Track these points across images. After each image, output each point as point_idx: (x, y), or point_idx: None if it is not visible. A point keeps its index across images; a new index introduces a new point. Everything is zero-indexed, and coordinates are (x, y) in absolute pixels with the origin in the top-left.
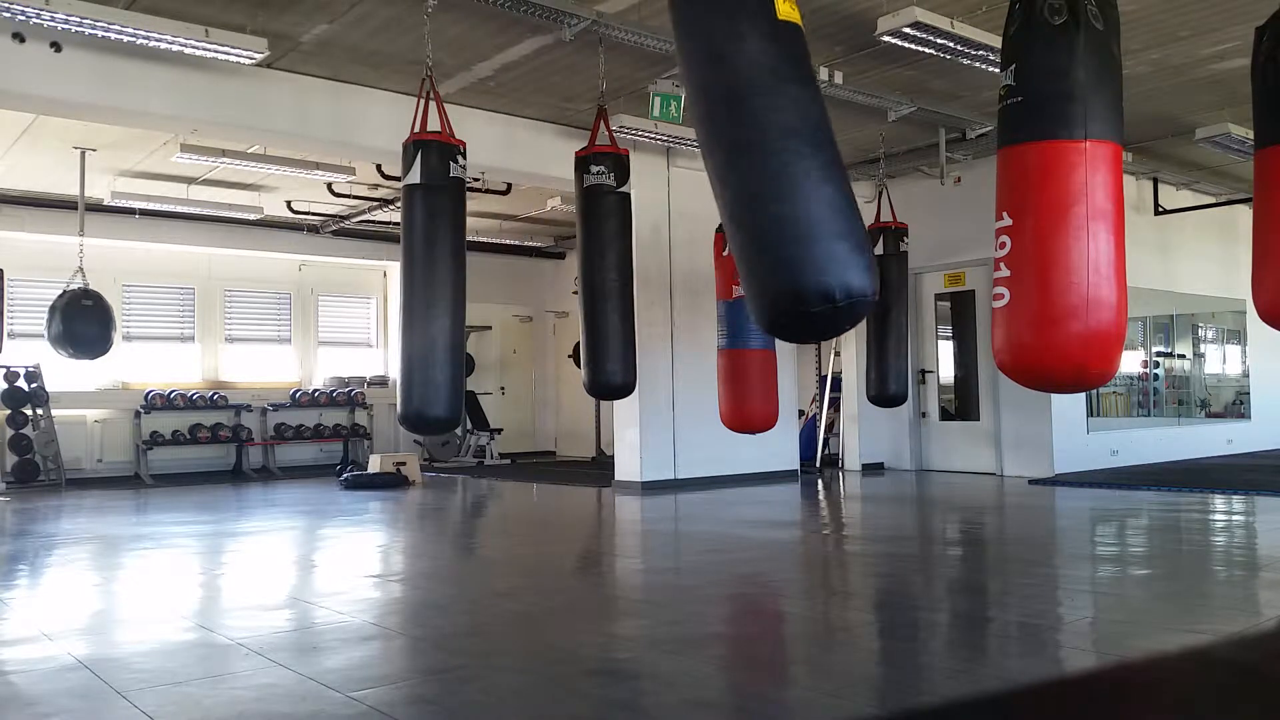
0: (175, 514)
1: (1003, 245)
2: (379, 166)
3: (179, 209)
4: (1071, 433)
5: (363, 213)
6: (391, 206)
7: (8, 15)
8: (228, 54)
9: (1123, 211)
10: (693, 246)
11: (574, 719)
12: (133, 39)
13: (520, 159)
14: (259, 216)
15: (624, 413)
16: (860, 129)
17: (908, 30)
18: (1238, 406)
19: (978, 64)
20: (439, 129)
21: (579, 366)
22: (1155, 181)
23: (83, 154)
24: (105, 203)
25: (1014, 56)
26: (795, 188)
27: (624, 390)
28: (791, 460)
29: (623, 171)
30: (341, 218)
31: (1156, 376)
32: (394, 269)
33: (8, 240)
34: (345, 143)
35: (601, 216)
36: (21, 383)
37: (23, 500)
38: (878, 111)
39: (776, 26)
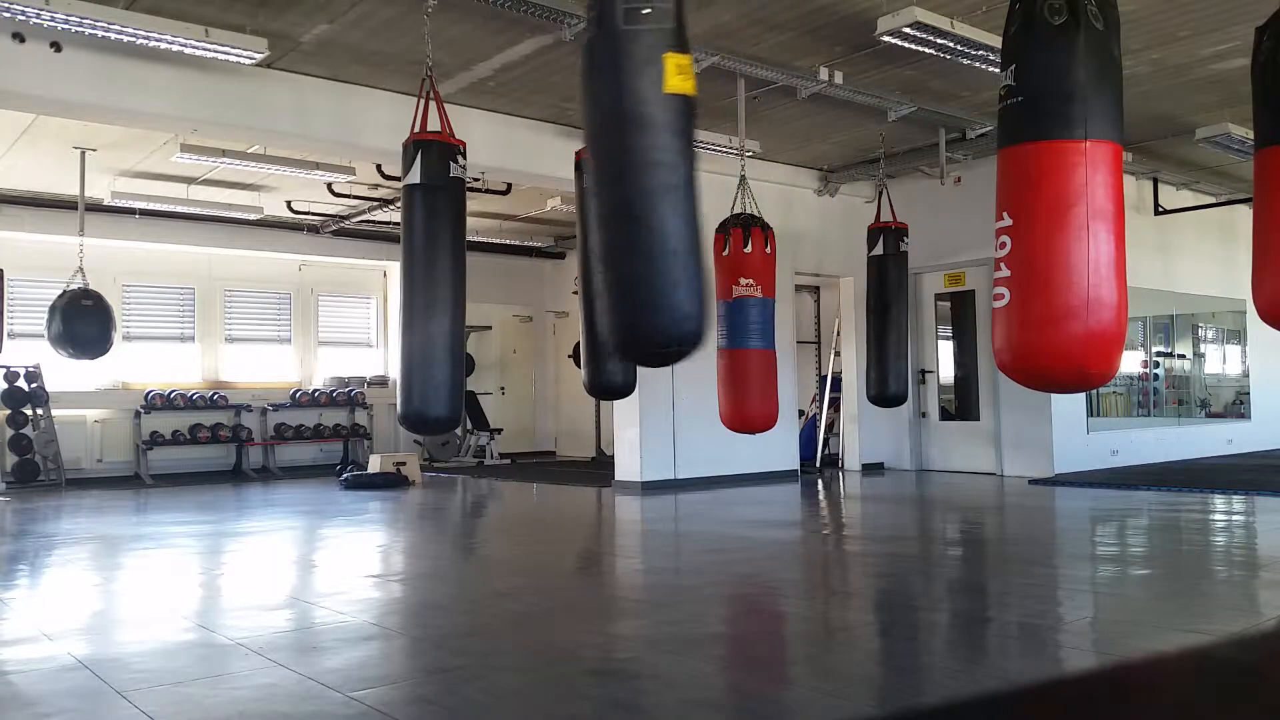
0: (175, 514)
1: (1003, 245)
2: (379, 166)
3: (179, 209)
4: (1071, 433)
5: (363, 213)
6: (391, 206)
7: (8, 15)
8: (228, 54)
9: (1123, 211)
10: None
11: (574, 719)
12: (133, 39)
13: (520, 159)
14: (259, 216)
15: (624, 413)
16: (860, 129)
17: (908, 30)
18: (1238, 406)
19: (978, 64)
20: (439, 129)
21: (579, 366)
22: (1155, 181)
23: (83, 154)
24: (105, 203)
25: (1014, 56)
26: (653, 249)
27: (624, 390)
28: (791, 460)
29: None
30: (341, 218)
31: (1156, 376)
32: (394, 269)
33: (8, 240)
34: (345, 143)
35: None
36: (21, 383)
37: (23, 500)
38: (878, 111)
39: (660, 99)
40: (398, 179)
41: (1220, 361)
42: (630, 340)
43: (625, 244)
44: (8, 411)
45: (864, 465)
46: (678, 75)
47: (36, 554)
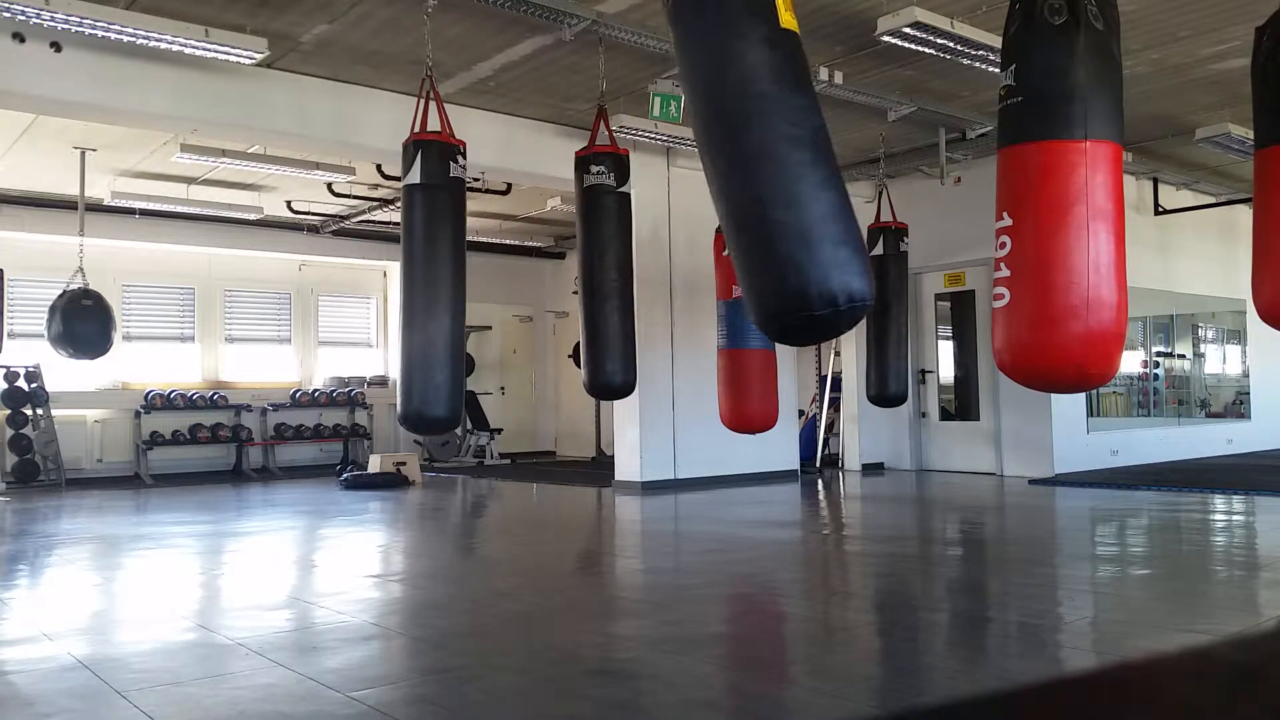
0: (175, 514)
1: (1003, 245)
2: (379, 166)
3: (179, 209)
4: (1071, 433)
5: (363, 213)
6: (391, 206)
7: (8, 15)
8: (228, 54)
9: (1123, 211)
10: (693, 246)
11: (574, 719)
12: (133, 39)
13: (520, 159)
14: (259, 216)
15: (624, 413)
16: (860, 129)
17: (908, 30)
18: (1238, 406)
19: (978, 64)
20: (439, 129)
21: (579, 366)
22: (1155, 181)
23: (83, 154)
24: (105, 203)
25: (1014, 56)
26: (799, 195)
27: (624, 390)
28: (791, 460)
29: (623, 171)
30: (341, 218)
31: (1156, 376)
32: (394, 269)
33: (8, 240)
34: (345, 143)
35: (601, 216)
36: (21, 383)
37: (23, 500)
38: (878, 111)
39: (778, 34)
40: (398, 179)
41: (1220, 361)
42: (784, 302)
43: (769, 196)
44: (8, 411)
45: (864, 465)
46: (788, 11)
47: (36, 554)
